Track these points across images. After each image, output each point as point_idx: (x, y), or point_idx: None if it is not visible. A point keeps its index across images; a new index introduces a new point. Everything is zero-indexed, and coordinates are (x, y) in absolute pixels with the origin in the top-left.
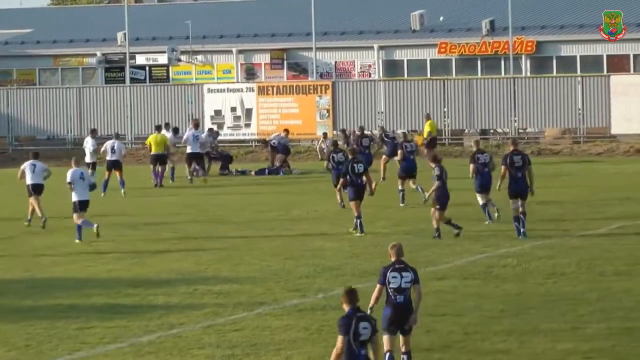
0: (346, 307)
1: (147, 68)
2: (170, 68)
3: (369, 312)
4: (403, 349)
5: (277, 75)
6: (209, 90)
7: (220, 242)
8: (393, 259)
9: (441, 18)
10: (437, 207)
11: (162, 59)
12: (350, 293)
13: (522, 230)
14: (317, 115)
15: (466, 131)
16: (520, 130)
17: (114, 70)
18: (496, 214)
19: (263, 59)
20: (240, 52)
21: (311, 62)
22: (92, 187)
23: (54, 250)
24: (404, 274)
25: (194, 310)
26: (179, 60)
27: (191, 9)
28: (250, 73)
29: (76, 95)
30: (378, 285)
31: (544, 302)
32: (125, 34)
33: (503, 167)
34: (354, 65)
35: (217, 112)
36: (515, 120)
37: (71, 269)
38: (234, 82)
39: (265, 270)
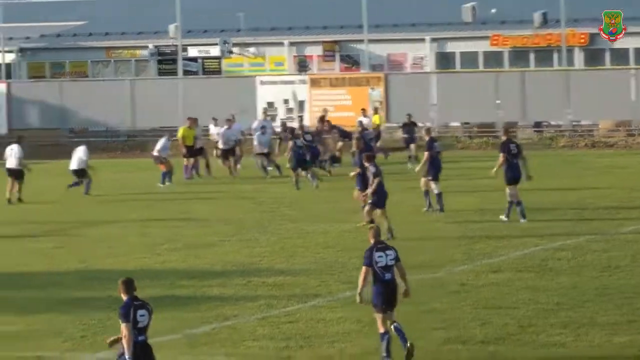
0: (124, 297)
1: (199, 60)
2: (222, 60)
3: (357, 297)
4: (390, 320)
5: (329, 68)
6: (262, 83)
7: (274, 234)
8: (372, 241)
9: (493, 10)
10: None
11: (215, 51)
12: (128, 283)
13: (523, 212)
14: (369, 107)
15: (519, 124)
16: (574, 123)
17: (166, 62)
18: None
19: (315, 51)
20: (292, 44)
21: (363, 54)
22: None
23: (108, 242)
24: (387, 252)
25: (248, 302)
26: (231, 52)
27: (243, 1)
28: (302, 65)
29: (129, 87)
30: (364, 268)
31: (600, 295)
32: (177, 26)
33: (501, 154)
34: (406, 58)
35: (270, 105)
36: (568, 113)
37: (125, 261)
38: (286, 74)
39: (320, 263)
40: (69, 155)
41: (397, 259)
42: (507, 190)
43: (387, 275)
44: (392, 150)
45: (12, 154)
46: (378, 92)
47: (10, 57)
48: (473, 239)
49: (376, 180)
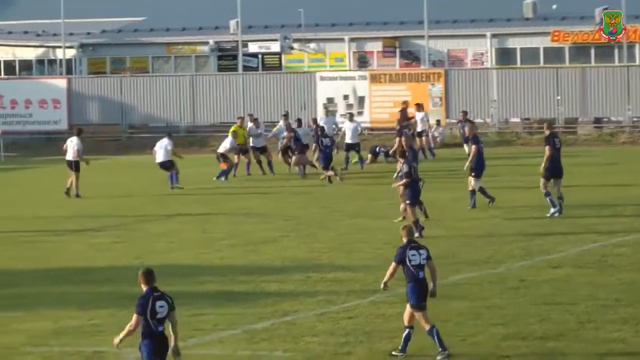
0: (144, 287)
1: (259, 56)
2: (282, 56)
3: (382, 287)
4: (427, 326)
5: (389, 63)
6: (322, 78)
7: (333, 230)
8: (405, 239)
9: (554, 6)
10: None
11: (275, 47)
12: (148, 274)
13: (558, 207)
14: (429, 103)
15: (580, 120)
16: (634, 119)
17: (226, 58)
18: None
19: (375, 46)
20: (352, 40)
21: (424, 50)
22: None
23: (168, 237)
24: (420, 251)
25: (307, 298)
26: (292, 48)
27: None
28: (362, 61)
29: (189, 83)
30: (394, 264)
31: None
32: (238, 22)
33: (547, 147)
34: (467, 54)
35: (330, 100)
36: (629, 109)
37: (185, 256)
38: (346, 70)
39: (379, 258)
40: (128, 151)
41: (429, 257)
42: (550, 182)
43: (421, 274)
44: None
45: (71, 146)
46: (438, 88)
47: (71, 53)
48: (532, 235)
49: (405, 178)
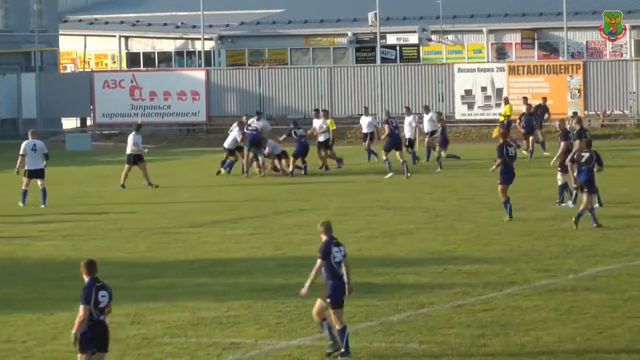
0: (86, 278)
1: (397, 48)
2: (420, 48)
3: (306, 287)
4: (339, 326)
5: (527, 55)
6: (459, 70)
7: (470, 222)
8: (326, 236)
9: None
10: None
11: (413, 38)
12: (90, 265)
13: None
14: (567, 95)
15: None
16: None
17: (364, 50)
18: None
19: (514, 38)
20: (490, 31)
21: (562, 42)
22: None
23: (305, 229)
24: (340, 247)
25: (444, 290)
26: (430, 40)
27: None
28: (500, 53)
29: (327, 75)
30: (320, 261)
31: None
32: (376, 13)
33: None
34: (606, 45)
35: (468, 92)
36: None
37: None
38: (484, 62)
39: (515, 251)
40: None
41: (345, 254)
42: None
43: (341, 270)
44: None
45: (129, 141)
46: (577, 80)
47: (209, 45)
48: None
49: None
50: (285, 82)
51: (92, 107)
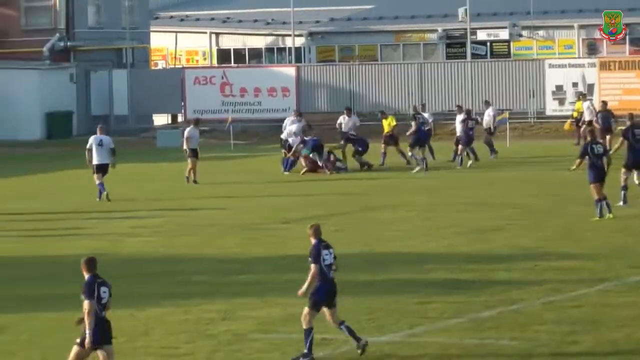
0: (86, 275)
1: (488, 43)
2: (511, 43)
3: (302, 289)
4: (338, 322)
5: (619, 51)
6: (550, 66)
7: (561, 218)
8: (315, 239)
9: None
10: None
11: (503, 34)
12: (90, 261)
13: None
14: None
15: None
16: None
17: (454, 45)
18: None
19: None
20: (581, 27)
21: None
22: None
23: (393, 225)
24: (330, 250)
25: (534, 286)
26: (520, 35)
27: None
28: (592, 48)
29: (417, 71)
30: (315, 265)
31: None
32: (466, 9)
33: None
34: None
35: (559, 88)
36: None
37: (410, 244)
38: (575, 58)
39: (607, 247)
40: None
41: (335, 256)
42: (624, 174)
43: (331, 273)
44: None
45: (185, 135)
46: None
47: (300, 41)
48: None
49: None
50: (375, 78)
51: (183, 104)
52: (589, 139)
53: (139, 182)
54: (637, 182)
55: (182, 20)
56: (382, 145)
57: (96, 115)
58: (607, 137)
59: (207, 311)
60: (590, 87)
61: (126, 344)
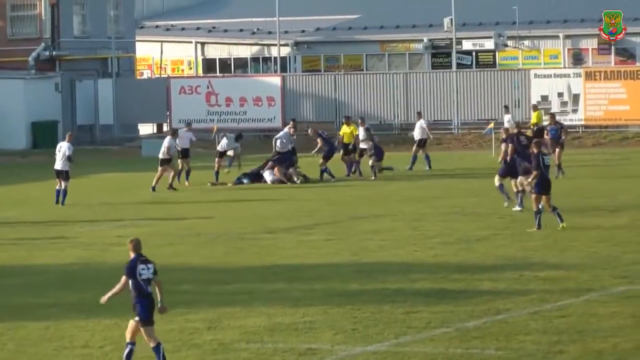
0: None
1: (473, 53)
2: (496, 53)
3: (105, 298)
4: (152, 343)
5: (604, 61)
6: (536, 76)
7: (546, 229)
8: (134, 253)
9: None
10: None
11: (489, 44)
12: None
13: None
14: None
15: None
16: None
17: (440, 55)
18: None
19: (590, 44)
20: (567, 37)
21: (639, 47)
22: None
23: (380, 235)
24: (148, 265)
25: (520, 296)
26: (506, 45)
27: None
28: (577, 58)
29: (403, 81)
30: (124, 278)
31: None
32: (452, 19)
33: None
34: None
35: (544, 98)
36: None
37: (397, 254)
38: (560, 68)
39: (592, 257)
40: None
41: (155, 272)
42: None
43: (149, 289)
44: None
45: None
46: None
47: (285, 51)
48: None
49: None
50: (361, 88)
51: (168, 113)
52: (535, 150)
53: (124, 191)
54: (514, 189)
55: (167, 29)
56: (343, 156)
57: (81, 125)
58: (557, 149)
59: (192, 320)
60: (576, 97)
61: (112, 352)
